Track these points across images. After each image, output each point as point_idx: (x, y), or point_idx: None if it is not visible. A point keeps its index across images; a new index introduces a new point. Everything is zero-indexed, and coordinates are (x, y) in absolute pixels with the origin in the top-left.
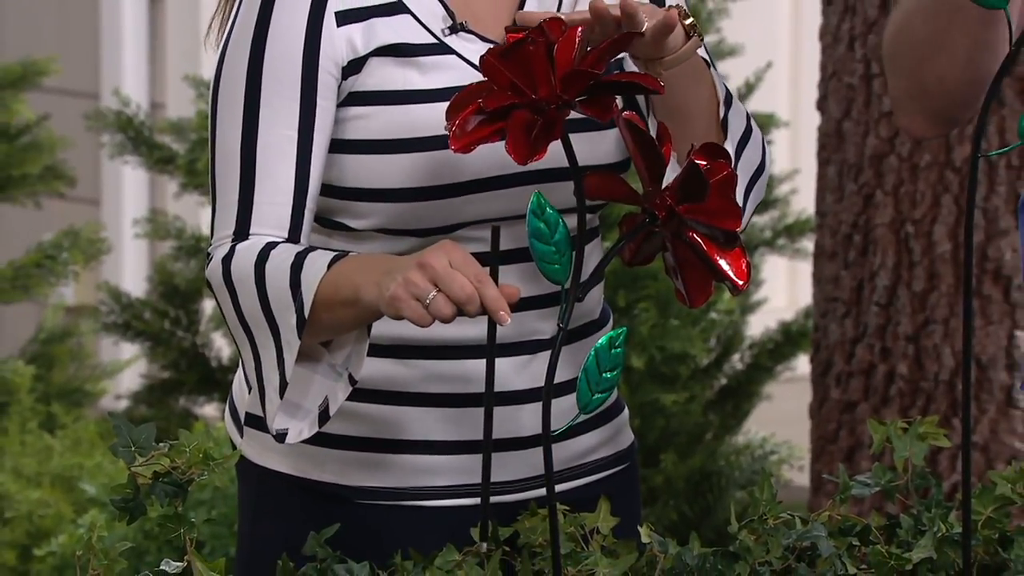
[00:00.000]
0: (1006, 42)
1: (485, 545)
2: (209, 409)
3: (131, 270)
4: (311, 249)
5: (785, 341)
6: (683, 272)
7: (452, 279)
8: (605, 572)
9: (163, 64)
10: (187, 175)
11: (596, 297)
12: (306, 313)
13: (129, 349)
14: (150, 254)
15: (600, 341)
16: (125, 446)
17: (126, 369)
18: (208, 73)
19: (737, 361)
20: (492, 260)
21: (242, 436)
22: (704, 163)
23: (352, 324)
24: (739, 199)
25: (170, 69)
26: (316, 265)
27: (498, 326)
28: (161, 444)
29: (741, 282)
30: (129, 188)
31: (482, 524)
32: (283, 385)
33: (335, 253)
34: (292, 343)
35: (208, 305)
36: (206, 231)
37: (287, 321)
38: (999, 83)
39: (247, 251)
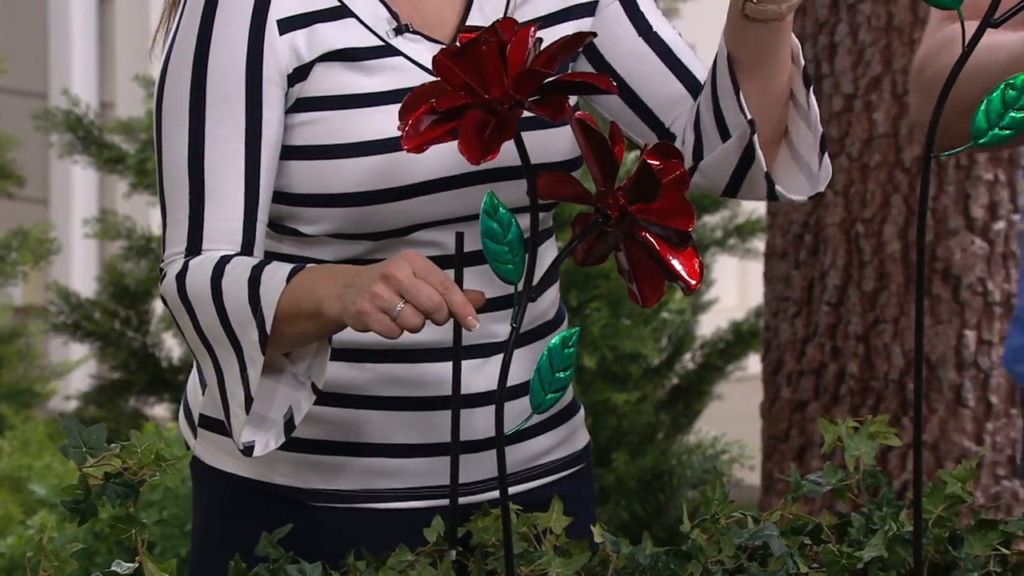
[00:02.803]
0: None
1: (454, 552)
2: (159, 410)
3: (80, 270)
4: (267, 262)
5: (736, 341)
6: (636, 272)
7: (419, 289)
8: (558, 572)
9: (112, 63)
10: (137, 175)
11: (551, 298)
12: (268, 329)
13: (78, 349)
14: (100, 254)
15: (553, 341)
16: (76, 447)
17: (75, 370)
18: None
19: (688, 361)
20: (457, 266)
21: (196, 437)
22: (657, 163)
23: (314, 336)
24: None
25: (119, 68)
26: (275, 279)
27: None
28: (112, 445)
29: (694, 282)
30: (78, 188)
31: (451, 527)
32: (248, 400)
33: (293, 265)
34: (256, 359)
35: (158, 305)
36: (156, 231)
37: (249, 337)
38: (951, 84)
39: (201, 267)
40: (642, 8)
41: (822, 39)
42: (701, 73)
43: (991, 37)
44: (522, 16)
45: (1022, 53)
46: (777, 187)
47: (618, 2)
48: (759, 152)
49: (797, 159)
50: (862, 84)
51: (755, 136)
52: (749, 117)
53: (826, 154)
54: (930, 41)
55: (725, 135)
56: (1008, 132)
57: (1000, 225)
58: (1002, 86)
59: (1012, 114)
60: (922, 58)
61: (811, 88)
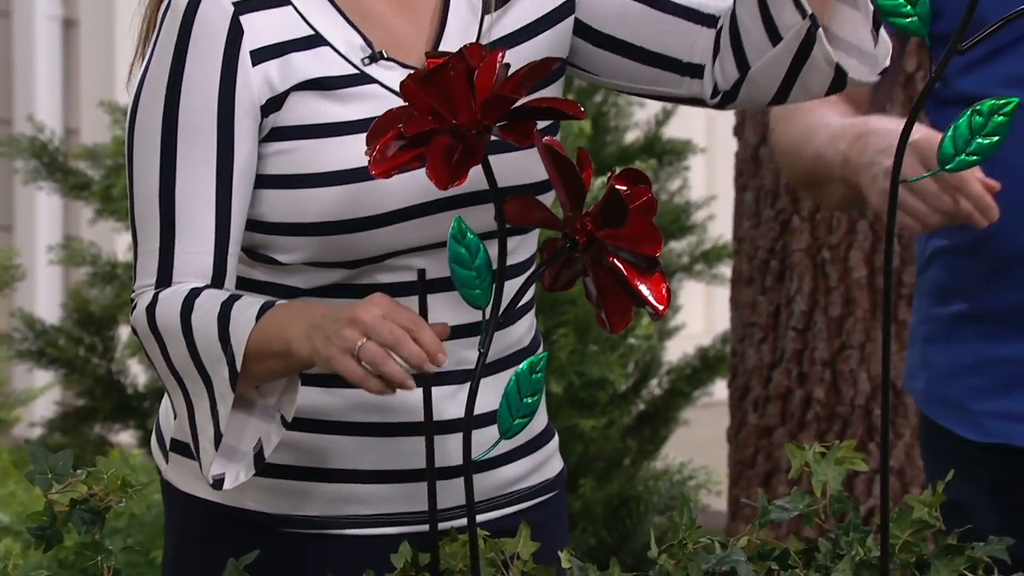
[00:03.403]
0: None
1: None
2: (125, 437)
3: (45, 297)
4: (237, 296)
5: (703, 367)
6: (603, 297)
7: (382, 327)
8: None
9: (77, 90)
10: (102, 201)
11: (526, 325)
12: (238, 366)
13: (43, 376)
14: (64, 281)
15: (521, 366)
16: (42, 473)
17: (40, 397)
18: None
19: (655, 386)
20: (421, 301)
21: (167, 462)
22: (624, 188)
23: (283, 373)
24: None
25: (84, 95)
26: (245, 316)
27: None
28: (78, 471)
29: (661, 307)
30: (43, 214)
31: (432, 553)
32: (218, 437)
33: (263, 302)
34: (226, 395)
35: (124, 332)
36: (122, 257)
37: (219, 374)
38: (916, 114)
39: (171, 300)
40: None
41: None
42: (695, 0)
43: (817, 115)
44: (500, 32)
45: (824, 152)
46: (855, 77)
47: None
48: (825, 43)
49: (845, 47)
50: None
51: (819, 29)
52: (810, 11)
53: (881, 28)
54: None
55: (776, 39)
56: (975, 158)
57: None
58: (969, 112)
59: (979, 140)
60: (773, 115)
61: None
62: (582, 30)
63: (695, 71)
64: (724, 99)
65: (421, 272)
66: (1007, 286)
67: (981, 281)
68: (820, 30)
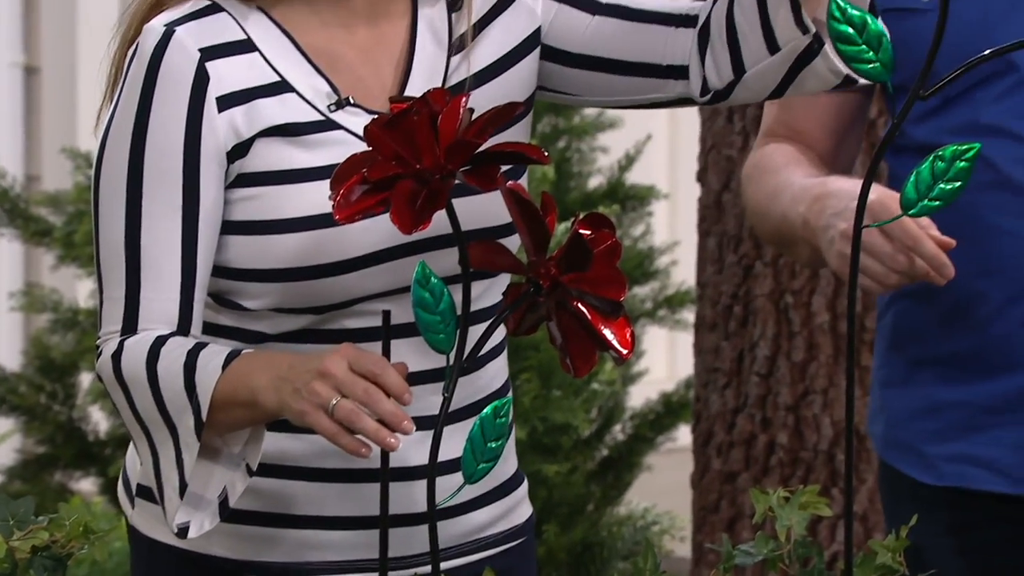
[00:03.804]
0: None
1: None
2: (86, 484)
3: (6, 343)
4: (203, 345)
5: (666, 412)
6: (568, 341)
7: (355, 384)
8: None
9: (39, 136)
10: (64, 248)
11: (493, 371)
12: (204, 416)
13: (3, 424)
14: (25, 328)
15: (485, 411)
16: (3, 520)
17: (0, 444)
18: (85, 145)
19: (618, 432)
20: (385, 344)
21: (134, 507)
22: (588, 232)
23: (249, 423)
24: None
25: (46, 141)
26: (211, 365)
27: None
28: (40, 518)
29: (625, 351)
30: (4, 261)
31: None
32: (183, 485)
33: (228, 351)
34: (191, 445)
35: (85, 379)
36: (83, 304)
37: (185, 423)
38: (879, 161)
39: (136, 348)
40: None
41: (750, 111)
42: (660, 4)
43: (782, 175)
44: (466, 72)
45: (787, 214)
46: (861, 80)
47: (560, 4)
48: (833, 58)
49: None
50: None
51: (824, 46)
52: (813, 30)
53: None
54: (751, 157)
55: (774, 48)
56: (938, 203)
57: None
58: (931, 158)
59: (942, 185)
60: (743, 173)
61: None
62: (553, 54)
63: (678, 72)
64: (716, 97)
65: (385, 313)
66: (961, 330)
67: (933, 326)
68: (827, 46)
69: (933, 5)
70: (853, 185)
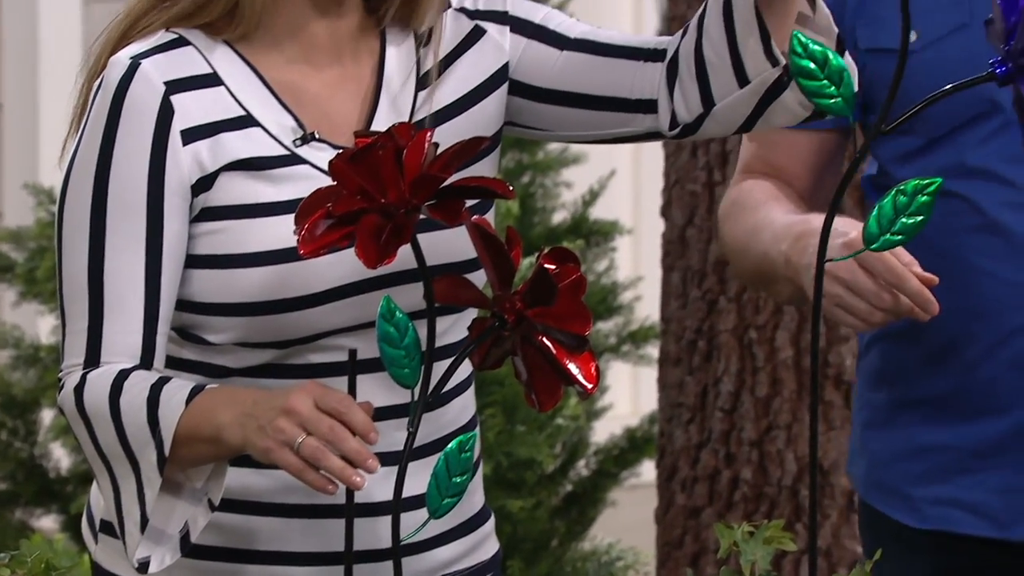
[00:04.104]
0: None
1: None
2: (47, 522)
3: None
4: (166, 380)
5: (630, 447)
6: (532, 376)
7: (320, 422)
8: None
9: (0, 172)
10: (26, 284)
11: (461, 406)
12: (166, 452)
13: None
14: None
15: (450, 445)
16: None
17: None
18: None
19: (583, 467)
20: (351, 382)
21: (97, 542)
22: (553, 267)
23: (212, 458)
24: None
25: (8, 177)
26: (174, 401)
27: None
28: (1, 555)
29: (590, 385)
30: None
31: None
32: (144, 520)
33: (192, 386)
34: (153, 480)
35: (47, 415)
36: (45, 340)
37: (147, 458)
38: (840, 198)
39: (99, 381)
40: (552, 28)
41: (713, 146)
42: (628, 39)
43: (762, 213)
44: (433, 107)
45: (768, 252)
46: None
47: (529, 40)
48: (800, 94)
49: None
50: None
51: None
52: (783, 62)
53: (847, 53)
54: (728, 193)
55: (744, 81)
56: (900, 237)
57: None
58: (893, 192)
59: (904, 219)
60: (720, 211)
61: None
62: (522, 90)
63: (646, 107)
64: (684, 131)
65: (351, 352)
66: (944, 372)
67: (918, 367)
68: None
69: (918, 45)
70: (837, 224)
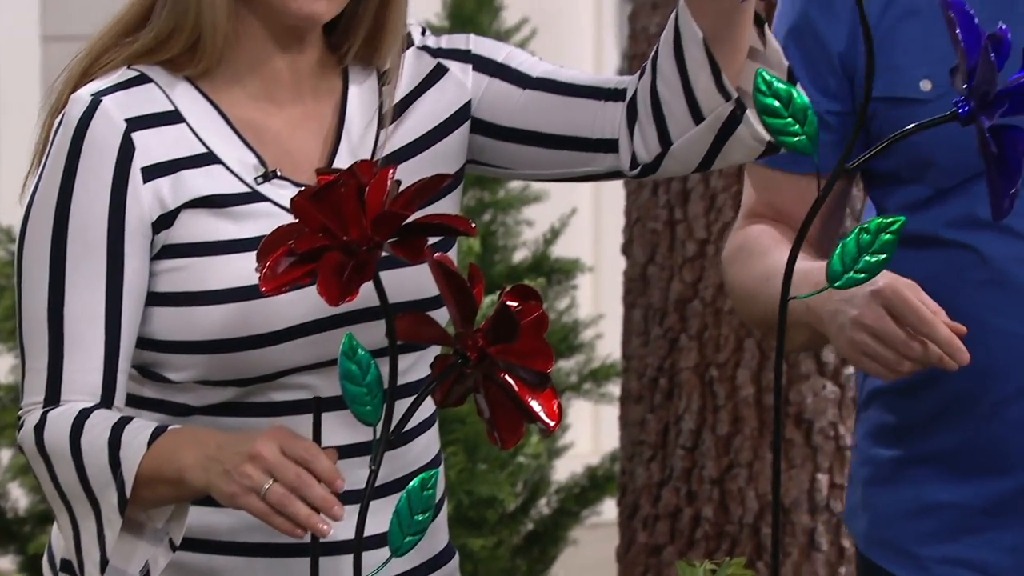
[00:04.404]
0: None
1: None
2: (5, 562)
3: None
4: (127, 420)
5: (591, 486)
6: (495, 413)
7: (286, 468)
8: None
9: None
10: None
11: (424, 444)
12: (128, 493)
13: None
14: None
15: (412, 483)
16: None
17: None
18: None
19: (544, 506)
20: (315, 427)
21: None
22: (515, 304)
23: (175, 499)
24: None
25: None
26: (136, 442)
27: None
28: None
29: (552, 423)
30: None
31: None
32: (104, 561)
33: (154, 427)
34: (114, 521)
35: (5, 455)
36: (4, 379)
37: (108, 499)
38: (802, 238)
39: (60, 421)
40: (514, 66)
41: (675, 184)
42: (589, 78)
43: (775, 258)
44: (395, 145)
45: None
46: (783, 148)
47: (491, 78)
48: (754, 124)
49: None
50: (715, 229)
51: (748, 111)
52: (735, 95)
53: (798, 84)
54: (733, 238)
55: (699, 117)
56: (863, 275)
57: (851, 369)
58: (857, 230)
59: (867, 258)
60: (725, 256)
61: (764, 26)
62: (484, 128)
63: (607, 146)
64: (644, 171)
65: (316, 399)
66: (951, 429)
67: (924, 424)
68: (749, 112)
69: (933, 95)
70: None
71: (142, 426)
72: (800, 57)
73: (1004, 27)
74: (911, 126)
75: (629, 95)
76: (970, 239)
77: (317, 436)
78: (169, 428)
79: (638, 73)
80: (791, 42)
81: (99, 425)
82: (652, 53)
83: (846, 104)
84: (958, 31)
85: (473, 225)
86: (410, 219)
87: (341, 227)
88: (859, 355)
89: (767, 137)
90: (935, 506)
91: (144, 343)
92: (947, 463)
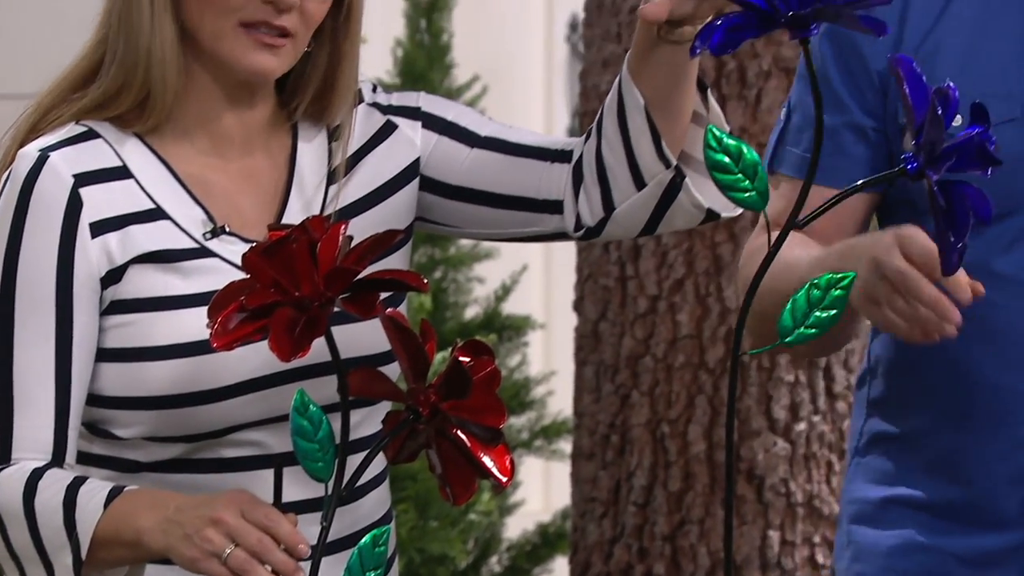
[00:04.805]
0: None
1: None
2: None
3: None
4: (82, 480)
5: (543, 543)
6: (447, 469)
7: (248, 533)
8: None
9: None
10: None
11: (376, 500)
12: (83, 555)
13: None
14: None
15: (364, 539)
16: None
17: None
18: None
19: (495, 563)
20: (275, 497)
21: None
22: (468, 360)
23: (132, 561)
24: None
25: None
26: (92, 503)
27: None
28: None
29: (505, 479)
30: None
31: None
32: None
33: (110, 487)
34: None
35: None
36: None
37: (62, 561)
38: (757, 284)
39: (11, 481)
40: (463, 125)
41: (626, 241)
42: (537, 139)
43: (792, 252)
44: (344, 201)
45: (812, 275)
46: (723, 215)
47: (440, 136)
48: (693, 192)
49: (709, 172)
50: (666, 286)
51: (686, 179)
52: (674, 163)
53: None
54: (748, 245)
55: (641, 184)
56: (814, 331)
57: (801, 426)
58: (807, 286)
59: (817, 313)
60: (742, 260)
61: (707, 91)
62: (432, 186)
63: (552, 207)
64: (588, 234)
65: (278, 469)
66: (943, 480)
67: (919, 472)
68: (687, 180)
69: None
70: (876, 238)
71: (98, 486)
72: (841, 72)
73: (952, 84)
74: (860, 182)
75: (575, 157)
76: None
77: (278, 499)
78: (126, 489)
79: (585, 135)
80: (833, 58)
81: (52, 486)
82: (597, 116)
83: (881, 121)
84: (906, 88)
85: (425, 281)
86: (362, 275)
87: (293, 283)
88: (871, 307)
89: (706, 204)
90: (918, 548)
91: (92, 399)
92: (935, 512)
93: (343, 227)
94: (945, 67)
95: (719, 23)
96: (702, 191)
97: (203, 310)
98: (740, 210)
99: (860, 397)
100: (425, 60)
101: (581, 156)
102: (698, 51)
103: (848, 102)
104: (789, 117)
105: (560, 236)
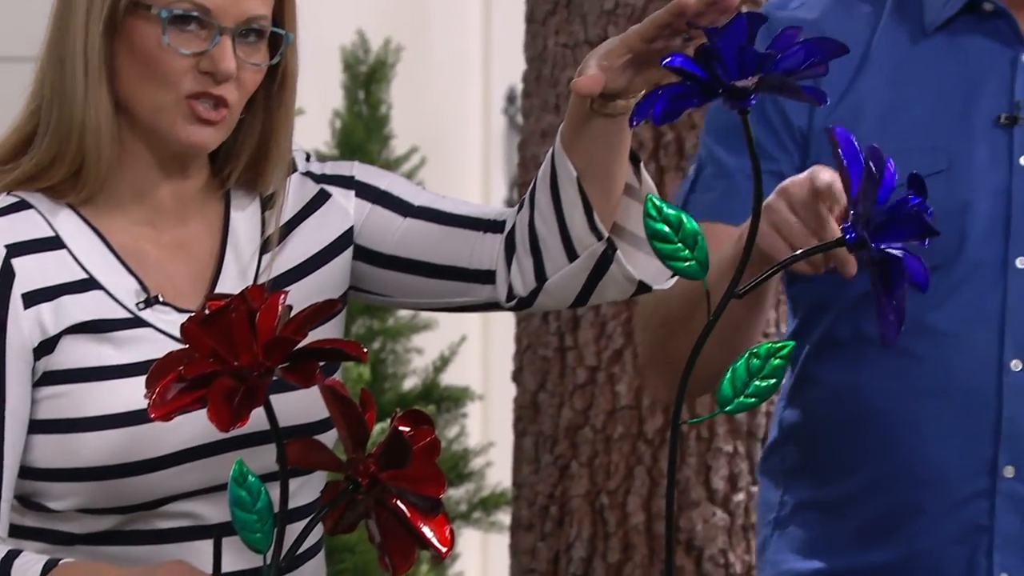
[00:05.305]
0: (758, 327)
1: None
2: None
3: None
4: (16, 554)
5: None
6: (386, 539)
7: None
8: None
9: None
10: None
11: (312, 570)
12: None
13: None
14: None
15: None
16: None
17: None
18: None
19: None
20: (215, 569)
21: None
22: (407, 429)
23: None
24: None
25: None
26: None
27: None
28: None
29: (444, 548)
30: None
31: None
32: None
33: (46, 561)
34: None
35: None
36: None
37: None
38: (698, 351)
39: None
40: (396, 194)
41: (565, 312)
42: (470, 209)
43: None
44: (278, 270)
45: (724, 255)
46: (654, 287)
47: (373, 205)
48: (624, 264)
49: (637, 243)
50: (605, 357)
51: (618, 251)
52: (606, 235)
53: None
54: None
55: (573, 255)
56: (753, 400)
57: (740, 497)
58: (747, 355)
59: (757, 382)
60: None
61: (640, 163)
62: (365, 255)
63: (484, 277)
64: (520, 304)
65: (217, 535)
66: (882, 544)
67: (854, 538)
68: (619, 252)
69: None
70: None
71: (32, 559)
72: (763, 126)
73: (889, 162)
74: (799, 251)
75: (508, 227)
76: (915, 346)
77: (217, 570)
78: (61, 562)
79: (518, 206)
80: (756, 111)
81: None
82: (530, 188)
83: (800, 171)
84: (844, 159)
85: (365, 350)
86: (301, 344)
87: (232, 352)
88: (770, 239)
89: (638, 276)
90: None
91: (25, 472)
92: None
93: (282, 296)
94: (867, 124)
95: (660, 93)
96: (634, 263)
97: (137, 380)
98: (672, 282)
99: (770, 468)
100: (363, 131)
101: (514, 226)
102: (636, 122)
103: (768, 149)
104: (700, 171)
105: (492, 306)
